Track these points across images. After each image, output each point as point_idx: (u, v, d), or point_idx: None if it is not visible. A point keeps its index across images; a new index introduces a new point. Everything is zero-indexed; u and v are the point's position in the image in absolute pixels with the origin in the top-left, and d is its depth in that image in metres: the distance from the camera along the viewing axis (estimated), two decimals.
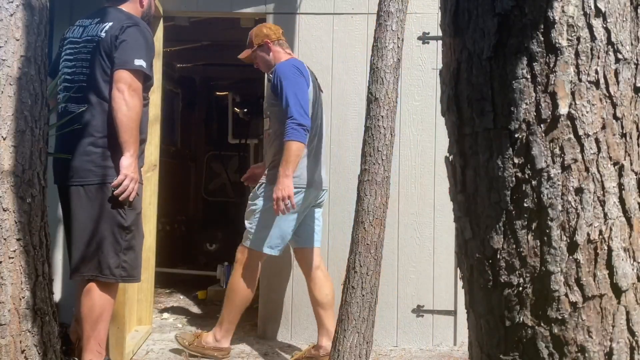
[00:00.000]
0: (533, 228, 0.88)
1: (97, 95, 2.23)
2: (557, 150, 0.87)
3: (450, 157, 1.01)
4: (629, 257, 0.89)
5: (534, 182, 0.87)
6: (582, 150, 0.87)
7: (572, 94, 0.87)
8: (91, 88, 2.25)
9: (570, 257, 0.87)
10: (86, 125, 2.23)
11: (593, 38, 0.87)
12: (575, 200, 0.86)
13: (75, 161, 2.23)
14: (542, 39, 0.87)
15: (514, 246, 0.89)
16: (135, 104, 2.19)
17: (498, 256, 0.91)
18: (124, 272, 2.26)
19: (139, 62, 2.20)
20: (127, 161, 2.18)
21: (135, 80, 2.19)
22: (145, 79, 2.26)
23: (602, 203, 0.87)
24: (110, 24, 2.26)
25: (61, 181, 2.29)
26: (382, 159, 2.48)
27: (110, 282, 2.26)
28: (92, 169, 2.22)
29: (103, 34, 2.25)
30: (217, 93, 6.14)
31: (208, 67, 5.72)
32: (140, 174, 2.29)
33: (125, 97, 2.16)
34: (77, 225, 2.24)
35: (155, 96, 3.08)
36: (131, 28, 2.24)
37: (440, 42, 3.20)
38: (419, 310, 3.21)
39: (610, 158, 0.88)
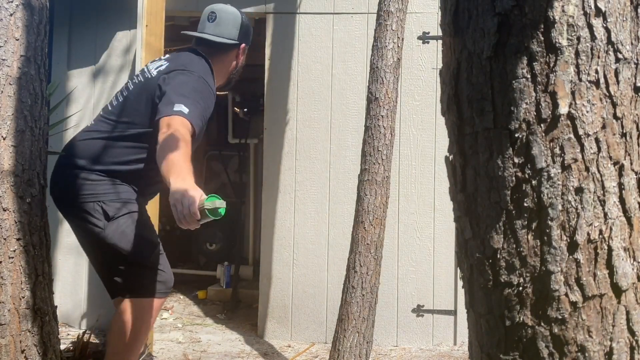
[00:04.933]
0: (533, 228, 0.88)
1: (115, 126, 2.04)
2: (557, 150, 0.87)
3: (450, 157, 1.01)
4: (629, 256, 0.89)
5: (534, 182, 0.87)
6: (582, 150, 0.87)
7: (572, 93, 0.86)
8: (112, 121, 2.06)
9: (570, 256, 0.86)
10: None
11: (593, 38, 0.87)
12: (575, 200, 0.86)
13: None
14: (542, 38, 0.87)
15: (514, 246, 0.89)
16: (184, 134, 1.81)
17: (498, 256, 0.91)
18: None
19: (185, 110, 1.86)
20: (175, 192, 1.75)
21: (184, 125, 1.84)
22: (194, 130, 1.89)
23: (602, 203, 0.87)
24: (167, 64, 2.06)
25: None
26: (382, 159, 2.48)
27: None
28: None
29: (154, 73, 2.05)
30: (217, 93, 6.13)
31: None
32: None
33: (178, 129, 1.82)
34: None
35: None
36: (183, 74, 1.99)
37: (440, 41, 3.20)
38: (419, 310, 3.21)
39: (610, 158, 0.88)
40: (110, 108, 2.10)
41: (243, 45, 2.21)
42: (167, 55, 2.20)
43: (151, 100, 1.98)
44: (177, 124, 1.81)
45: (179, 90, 1.91)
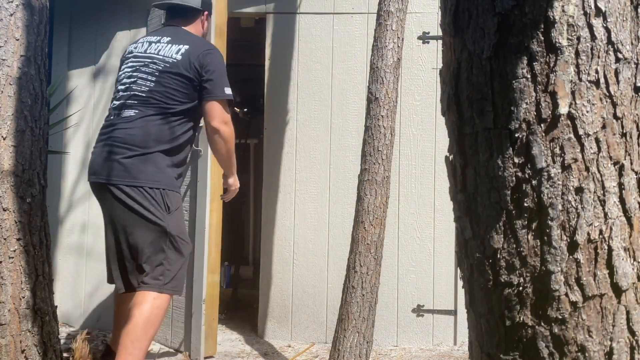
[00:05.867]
0: (533, 228, 0.88)
1: (159, 108, 2.24)
2: (557, 150, 0.87)
3: (451, 157, 1.01)
4: (629, 256, 0.89)
5: (534, 182, 0.87)
6: (582, 150, 0.87)
7: (572, 93, 0.86)
8: (150, 101, 2.24)
9: (571, 256, 0.86)
10: (132, 135, 2.22)
11: (593, 37, 0.87)
12: (575, 200, 0.86)
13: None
14: (542, 38, 0.87)
15: (514, 246, 0.89)
16: (229, 135, 2.30)
17: (498, 256, 0.91)
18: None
19: (228, 91, 2.27)
20: (231, 180, 2.49)
21: (225, 112, 2.28)
22: (232, 106, 2.36)
23: (602, 203, 0.87)
24: (187, 47, 2.28)
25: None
26: (382, 159, 2.48)
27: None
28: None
29: (179, 57, 2.26)
30: None
31: None
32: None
33: (223, 134, 2.28)
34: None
35: None
36: (212, 55, 2.29)
37: (440, 41, 3.20)
38: (419, 310, 3.21)
39: (610, 157, 0.88)
40: (144, 89, 2.26)
41: (206, 12, 2.48)
42: (165, 36, 2.36)
43: (188, 80, 2.25)
44: (224, 111, 2.27)
45: (219, 71, 2.27)
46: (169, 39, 2.32)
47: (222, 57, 2.35)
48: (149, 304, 2.10)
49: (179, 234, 2.23)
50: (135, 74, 2.29)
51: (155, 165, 2.20)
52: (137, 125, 2.21)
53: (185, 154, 2.36)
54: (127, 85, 2.29)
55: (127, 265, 2.23)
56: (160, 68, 2.25)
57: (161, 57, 2.28)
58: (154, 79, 2.25)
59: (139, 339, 2.05)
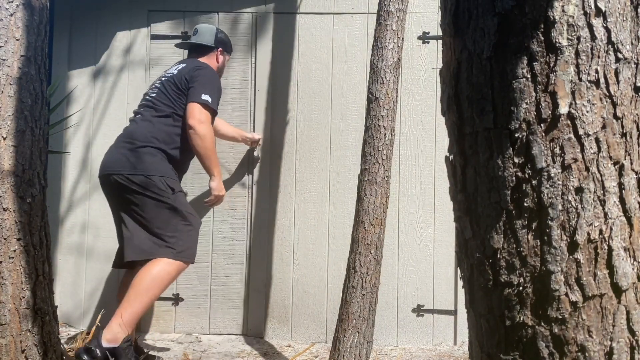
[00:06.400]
0: (533, 228, 0.88)
1: (155, 111, 2.69)
2: (557, 150, 0.87)
3: (451, 157, 1.01)
4: (629, 256, 0.89)
5: (534, 182, 0.87)
6: (582, 150, 0.87)
7: (572, 93, 0.87)
8: (152, 105, 2.71)
9: (571, 256, 0.86)
10: (134, 132, 2.67)
11: (593, 37, 0.87)
12: (575, 200, 0.86)
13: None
14: (542, 38, 0.87)
15: (514, 246, 0.89)
16: (205, 133, 2.62)
17: (498, 256, 0.91)
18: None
19: (205, 97, 2.63)
20: (213, 184, 2.74)
21: (201, 112, 2.62)
22: (213, 113, 2.67)
23: (603, 202, 0.87)
24: (184, 65, 2.79)
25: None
26: (382, 159, 2.48)
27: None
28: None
29: (175, 72, 2.76)
30: None
31: None
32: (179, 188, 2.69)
33: (197, 131, 2.60)
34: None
35: None
36: (201, 70, 2.72)
37: (440, 41, 3.20)
38: (419, 310, 3.21)
39: (610, 157, 0.88)
40: (149, 98, 2.75)
41: (220, 49, 2.94)
42: (180, 64, 2.86)
43: (180, 90, 2.69)
44: (201, 111, 2.62)
45: (203, 81, 2.67)
46: (182, 65, 2.81)
47: (214, 76, 2.75)
48: (159, 266, 2.47)
49: (186, 209, 2.60)
50: (149, 90, 2.81)
51: (153, 156, 2.58)
52: (139, 124, 2.67)
53: (183, 156, 2.71)
54: (142, 99, 2.81)
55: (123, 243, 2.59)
56: (163, 80, 2.76)
57: (167, 73, 2.80)
58: (157, 88, 2.74)
59: (141, 293, 2.41)
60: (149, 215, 2.56)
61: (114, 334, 2.34)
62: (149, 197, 2.54)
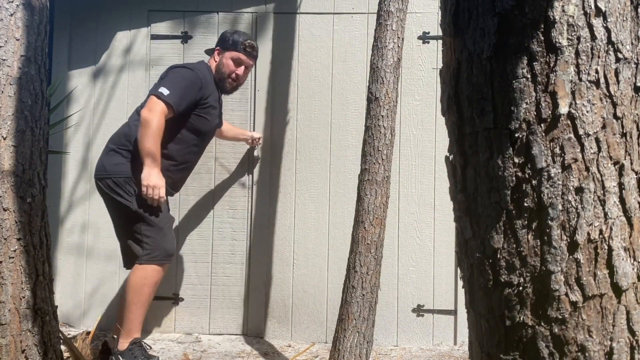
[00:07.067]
0: (533, 228, 0.88)
1: (136, 114, 2.74)
2: (557, 150, 0.87)
3: (451, 157, 1.01)
4: (629, 256, 0.89)
5: (534, 182, 0.87)
6: (582, 150, 0.87)
7: (572, 93, 0.86)
8: (136, 110, 2.79)
9: (571, 256, 0.87)
10: (112, 136, 2.77)
11: (593, 37, 0.87)
12: (575, 200, 0.86)
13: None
14: (542, 38, 0.87)
15: (514, 246, 0.89)
16: (148, 120, 2.53)
17: (498, 256, 0.91)
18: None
19: (162, 90, 2.57)
20: (143, 173, 2.57)
21: (155, 104, 2.55)
22: (167, 106, 2.58)
23: (603, 202, 0.87)
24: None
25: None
26: (382, 159, 2.48)
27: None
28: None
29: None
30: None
31: None
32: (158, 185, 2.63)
33: (141, 118, 2.54)
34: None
35: None
36: (173, 70, 2.70)
37: (440, 41, 3.20)
38: (419, 310, 3.21)
39: (610, 157, 0.88)
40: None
41: (217, 48, 2.91)
42: None
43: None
44: (152, 101, 2.56)
45: (168, 78, 2.65)
46: None
47: (183, 76, 2.68)
48: (134, 274, 2.57)
49: (150, 211, 2.60)
50: None
51: (120, 157, 2.63)
52: (120, 128, 2.77)
53: (171, 161, 2.72)
54: None
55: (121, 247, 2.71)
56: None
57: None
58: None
59: (129, 305, 2.55)
60: (116, 219, 2.67)
61: (122, 344, 2.57)
62: (113, 199, 2.61)
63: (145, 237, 2.59)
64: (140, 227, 2.59)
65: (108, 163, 2.64)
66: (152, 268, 2.57)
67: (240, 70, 2.87)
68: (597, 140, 0.87)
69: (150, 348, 2.79)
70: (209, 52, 3.00)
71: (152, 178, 2.54)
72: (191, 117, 2.71)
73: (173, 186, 2.82)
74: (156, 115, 2.53)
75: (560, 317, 0.87)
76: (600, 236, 0.87)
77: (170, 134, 2.66)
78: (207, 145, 2.97)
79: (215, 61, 2.89)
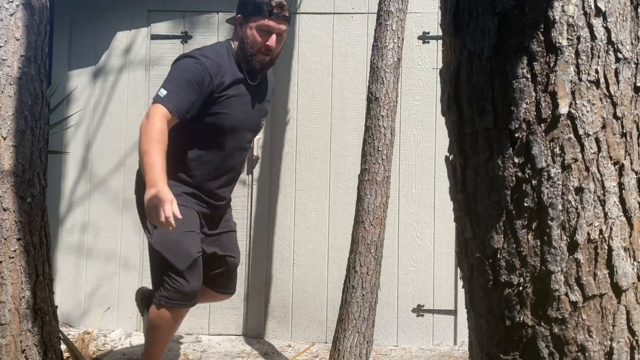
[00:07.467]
0: (533, 228, 0.88)
1: None
2: (557, 150, 0.87)
3: (451, 157, 1.01)
4: (629, 256, 0.89)
5: (534, 182, 0.87)
6: (582, 150, 0.87)
7: (572, 93, 0.86)
8: None
9: (571, 256, 0.86)
10: None
11: (593, 37, 0.87)
12: (575, 200, 0.86)
13: None
14: (542, 38, 0.87)
15: (514, 246, 0.89)
16: (144, 127, 2.01)
17: (498, 256, 0.91)
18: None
19: (160, 92, 2.08)
20: (148, 193, 1.93)
21: (155, 109, 2.04)
22: (167, 107, 2.06)
23: (602, 202, 0.87)
24: None
25: None
26: (382, 159, 2.48)
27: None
28: None
29: None
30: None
31: None
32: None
33: (141, 126, 2.05)
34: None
35: None
36: (175, 64, 2.19)
37: (440, 41, 3.20)
38: (419, 310, 3.21)
39: (610, 157, 0.88)
40: None
41: (239, 16, 2.23)
42: None
43: None
44: (150, 109, 2.06)
45: (167, 78, 2.14)
46: None
47: (187, 67, 2.13)
48: (150, 315, 2.16)
49: (163, 245, 2.09)
50: None
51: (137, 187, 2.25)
52: None
53: (194, 171, 2.21)
54: None
55: None
56: None
57: None
58: None
59: (146, 346, 2.22)
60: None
61: None
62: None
63: (153, 274, 2.18)
64: (152, 263, 2.18)
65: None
66: (158, 310, 2.11)
67: (272, 40, 2.18)
68: (597, 140, 0.87)
69: None
70: (231, 21, 2.37)
71: (152, 197, 1.90)
72: (207, 116, 2.16)
73: (211, 196, 2.27)
74: (151, 119, 2.00)
75: (560, 317, 0.87)
76: (600, 236, 0.87)
77: (187, 138, 2.18)
78: (246, 142, 2.36)
79: (240, 34, 2.23)
